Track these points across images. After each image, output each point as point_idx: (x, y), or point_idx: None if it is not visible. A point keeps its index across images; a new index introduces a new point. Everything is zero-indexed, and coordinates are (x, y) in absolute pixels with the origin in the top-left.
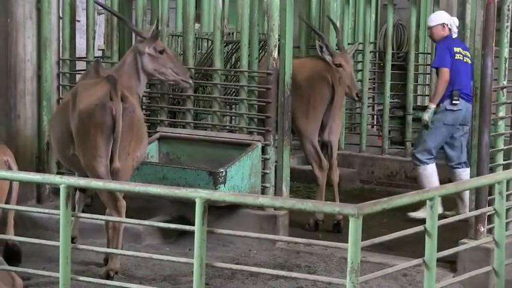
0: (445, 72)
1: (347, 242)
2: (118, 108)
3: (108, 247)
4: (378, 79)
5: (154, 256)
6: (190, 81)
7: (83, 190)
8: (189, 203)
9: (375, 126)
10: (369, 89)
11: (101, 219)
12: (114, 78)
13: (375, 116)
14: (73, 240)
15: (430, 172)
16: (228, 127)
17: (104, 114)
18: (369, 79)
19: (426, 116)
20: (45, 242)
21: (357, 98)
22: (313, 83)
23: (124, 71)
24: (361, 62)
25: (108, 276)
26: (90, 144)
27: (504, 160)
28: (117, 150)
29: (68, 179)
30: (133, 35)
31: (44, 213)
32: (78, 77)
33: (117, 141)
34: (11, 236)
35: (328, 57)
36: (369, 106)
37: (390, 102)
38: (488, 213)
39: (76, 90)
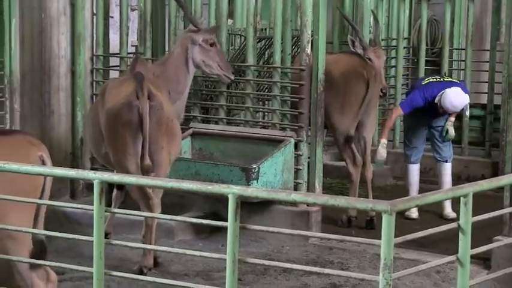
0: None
1: (380, 239)
2: (145, 106)
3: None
4: (412, 75)
5: (188, 252)
6: (232, 77)
7: (120, 187)
8: (222, 199)
9: None
10: (402, 85)
11: (134, 215)
12: (142, 75)
13: None
14: (107, 235)
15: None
16: (260, 123)
17: (131, 114)
18: (403, 75)
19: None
20: (79, 237)
21: (381, 94)
22: (349, 79)
23: (172, 61)
24: (394, 57)
25: (141, 273)
26: (119, 143)
27: None
28: (146, 148)
29: (101, 174)
30: (167, 31)
31: (77, 208)
32: (111, 73)
33: (146, 139)
34: (45, 231)
35: (360, 51)
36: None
37: None
38: None
39: (104, 88)
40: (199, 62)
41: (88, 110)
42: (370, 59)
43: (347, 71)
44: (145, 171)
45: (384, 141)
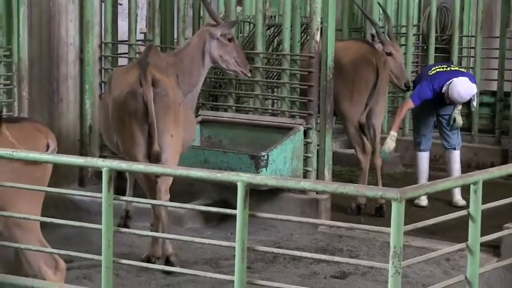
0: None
1: (389, 226)
2: (148, 94)
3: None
4: (421, 62)
5: (196, 239)
6: (249, 74)
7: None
8: (231, 187)
9: None
10: (412, 72)
11: (143, 203)
12: (146, 62)
13: None
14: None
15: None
16: (270, 111)
17: (136, 102)
18: (412, 62)
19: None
20: (88, 225)
21: (404, 88)
22: (358, 67)
23: (187, 53)
24: (404, 45)
25: (149, 261)
26: (126, 131)
27: None
28: (155, 135)
29: (110, 162)
30: (176, 18)
31: (86, 196)
32: (120, 60)
33: (153, 127)
34: (54, 219)
35: (378, 45)
36: (411, 89)
37: None
38: None
39: (111, 76)
40: (216, 57)
41: (98, 98)
42: (390, 53)
43: (356, 58)
44: (154, 158)
45: (393, 133)
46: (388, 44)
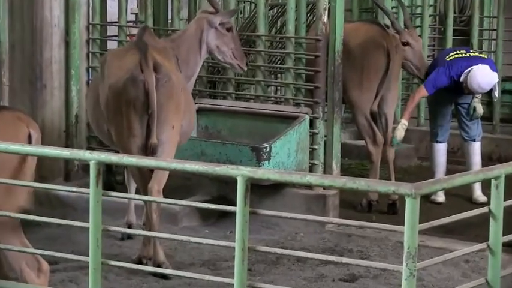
0: None
1: (403, 225)
2: (151, 80)
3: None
4: (438, 46)
5: (192, 239)
6: (245, 68)
7: None
8: (230, 182)
9: None
10: (428, 56)
11: (134, 199)
12: (145, 44)
13: None
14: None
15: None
16: (272, 98)
17: (136, 90)
18: (428, 46)
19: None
20: (74, 223)
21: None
22: (367, 50)
23: (184, 40)
24: (419, 26)
25: (140, 263)
26: (122, 122)
27: None
28: (154, 126)
29: (98, 154)
30: None
31: (72, 191)
32: (109, 43)
33: (154, 117)
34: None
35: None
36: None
37: None
38: None
39: (104, 60)
40: (213, 47)
41: (85, 84)
42: (408, 43)
43: (365, 41)
44: (151, 151)
45: (404, 122)
46: (404, 33)
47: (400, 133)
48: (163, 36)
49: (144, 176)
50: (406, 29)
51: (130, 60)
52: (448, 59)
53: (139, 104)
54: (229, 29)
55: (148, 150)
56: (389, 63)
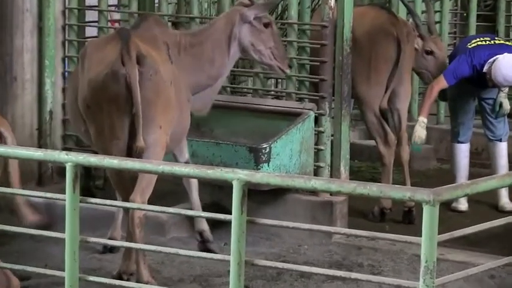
0: None
1: (420, 236)
2: (133, 74)
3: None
4: (460, 33)
5: (182, 252)
6: (288, 71)
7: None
8: (225, 187)
9: None
10: (449, 45)
11: (116, 206)
12: (128, 32)
13: None
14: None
15: None
16: (272, 92)
17: (118, 86)
18: (449, 33)
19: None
20: (48, 234)
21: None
22: (375, 39)
23: (209, 36)
24: (439, 11)
25: (120, 279)
26: (103, 122)
27: None
28: (140, 127)
29: (75, 156)
30: None
31: (46, 198)
32: (88, 30)
33: (139, 115)
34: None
35: (418, 41)
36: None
37: None
38: None
39: (85, 51)
40: (246, 45)
41: (62, 75)
42: (432, 52)
43: (373, 29)
44: (136, 155)
45: (422, 119)
46: (428, 40)
47: (419, 134)
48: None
49: (125, 184)
50: (430, 35)
51: (112, 52)
52: (470, 46)
53: (121, 102)
54: (267, 25)
55: (134, 154)
56: (400, 53)
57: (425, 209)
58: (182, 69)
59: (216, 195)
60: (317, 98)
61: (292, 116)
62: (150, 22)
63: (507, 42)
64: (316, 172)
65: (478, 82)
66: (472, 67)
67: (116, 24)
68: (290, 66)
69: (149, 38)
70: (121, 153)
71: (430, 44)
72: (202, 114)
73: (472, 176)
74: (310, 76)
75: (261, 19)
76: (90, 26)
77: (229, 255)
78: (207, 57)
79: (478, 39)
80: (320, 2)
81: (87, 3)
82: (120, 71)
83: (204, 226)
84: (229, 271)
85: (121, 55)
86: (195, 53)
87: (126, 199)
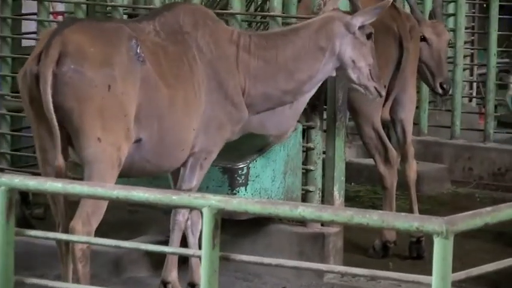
0: None
1: (430, 274)
2: (43, 75)
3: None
4: (479, 28)
5: None
6: (383, 94)
7: None
8: None
9: (474, 100)
10: (465, 43)
11: (55, 239)
12: (70, 21)
13: (474, 84)
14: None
15: None
16: None
17: (31, 88)
18: (466, 28)
19: None
20: None
21: (440, 91)
22: (373, 36)
23: (289, 42)
24: (453, 1)
25: None
26: (33, 132)
27: None
28: (57, 140)
29: (10, 178)
30: None
31: None
32: (24, 24)
33: (53, 125)
34: None
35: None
36: (465, 69)
37: (497, 63)
38: None
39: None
40: (347, 62)
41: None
42: (425, 38)
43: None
44: (58, 177)
45: None
46: (424, 24)
47: None
48: None
49: (62, 209)
50: (431, 20)
51: (37, 48)
52: None
53: (39, 107)
54: (369, 36)
55: (56, 175)
56: (403, 53)
57: (437, 242)
58: (237, 71)
59: None
60: (305, 107)
61: None
62: (176, 12)
63: None
64: (305, 197)
65: None
66: None
67: (60, 17)
68: (385, 86)
69: (169, 32)
70: (52, 168)
71: (425, 28)
72: (278, 140)
73: (494, 201)
74: None
75: (364, 29)
76: (28, 19)
77: None
78: (283, 67)
79: None
80: None
81: None
82: (32, 71)
83: (173, 276)
84: None
85: (40, 52)
86: (265, 56)
87: (64, 227)
